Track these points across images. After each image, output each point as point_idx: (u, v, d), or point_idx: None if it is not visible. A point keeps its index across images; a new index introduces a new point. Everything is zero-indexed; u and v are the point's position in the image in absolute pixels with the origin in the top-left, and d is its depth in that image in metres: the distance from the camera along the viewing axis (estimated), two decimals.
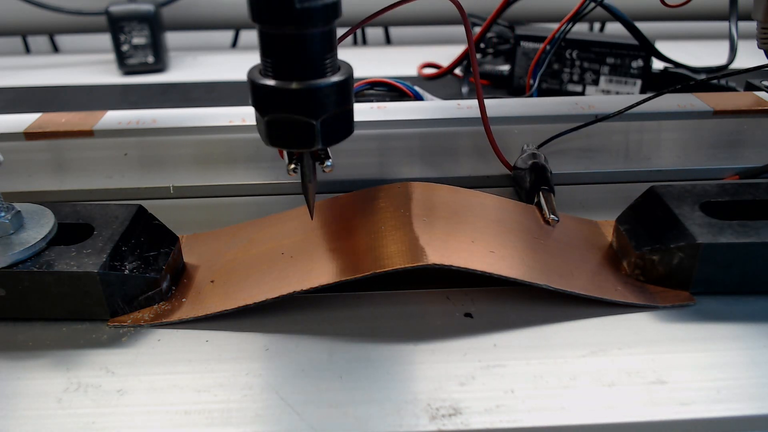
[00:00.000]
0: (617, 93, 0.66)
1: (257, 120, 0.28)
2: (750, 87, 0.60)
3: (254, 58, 0.27)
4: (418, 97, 0.59)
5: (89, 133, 0.51)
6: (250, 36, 0.94)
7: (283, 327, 0.31)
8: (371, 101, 0.58)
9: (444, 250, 0.30)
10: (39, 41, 0.95)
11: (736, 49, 0.66)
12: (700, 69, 0.68)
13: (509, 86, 0.71)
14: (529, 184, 0.39)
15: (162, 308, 0.31)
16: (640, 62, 0.65)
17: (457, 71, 0.74)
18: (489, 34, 0.74)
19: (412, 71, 0.79)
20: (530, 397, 0.26)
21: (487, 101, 0.56)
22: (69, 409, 0.26)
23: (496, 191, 0.41)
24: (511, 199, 0.38)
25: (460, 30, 0.85)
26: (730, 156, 0.46)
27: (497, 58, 0.75)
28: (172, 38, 0.85)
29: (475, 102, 0.56)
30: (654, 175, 0.44)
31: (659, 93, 0.47)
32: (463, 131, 0.52)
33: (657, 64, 0.66)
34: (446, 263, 0.29)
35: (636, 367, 0.28)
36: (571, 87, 0.68)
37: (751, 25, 0.49)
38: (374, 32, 0.97)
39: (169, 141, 0.50)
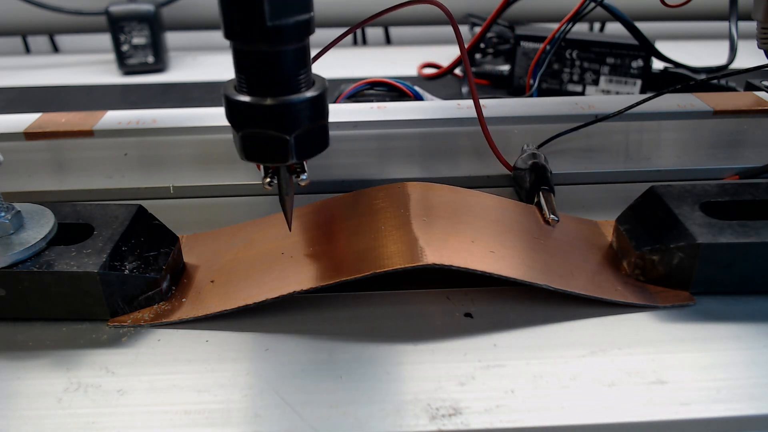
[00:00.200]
0: (617, 93, 0.66)
1: (233, 134, 0.28)
2: (750, 87, 0.60)
3: None
4: (418, 97, 0.59)
5: (89, 133, 0.51)
6: None
7: (283, 327, 0.31)
8: (371, 101, 0.58)
9: (444, 250, 0.30)
10: (39, 41, 0.95)
11: (736, 49, 0.66)
12: (700, 69, 0.68)
13: (509, 86, 0.71)
14: (529, 184, 0.39)
15: (162, 308, 0.31)
16: (640, 62, 0.65)
17: (457, 71, 0.74)
18: (489, 34, 0.74)
19: (412, 71, 0.79)
20: (530, 397, 0.26)
21: (487, 101, 0.56)
22: (69, 409, 0.26)
23: (496, 191, 0.41)
24: (511, 199, 0.38)
25: (460, 30, 0.85)
26: (730, 156, 0.46)
27: (497, 58, 0.75)
28: (172, 38, 0.85)
29: None
30: (654, 175, 0.44)
31: (659, 93, 0.47)
32: (463, 131, 0.52)
33: (657, 64, 0.66)
34: (446, 263, 0.29)
35: (636, 367, 0.28)
36: (571, 87, 0.68)
37: (751, 25, 0.49)
38: (374, 32, 0.97)
39: (169, 141, 0.50)
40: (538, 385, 0.27)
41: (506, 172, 0.43)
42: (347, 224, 0.34)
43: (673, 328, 0.30)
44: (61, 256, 0.30)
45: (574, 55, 0.66)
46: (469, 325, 0.30)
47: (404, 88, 0.59)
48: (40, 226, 0.31)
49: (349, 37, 0.96)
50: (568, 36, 0.62)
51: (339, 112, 0.53)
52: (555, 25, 0.62)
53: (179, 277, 0.34)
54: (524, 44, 0.68)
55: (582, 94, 0.67)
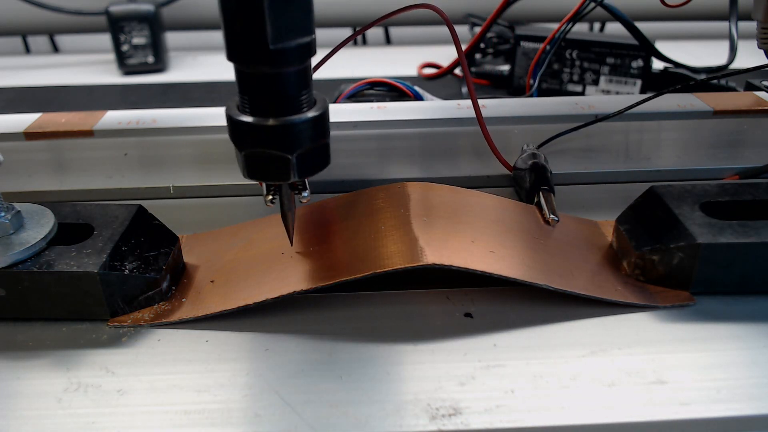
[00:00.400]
0: (617, 93, 0.66)
1: (236, 153, 0.28)
2: (750, 87, 0.60)
3: None
4: (418, 97, 0.59)
5: (89, 133, 0.51)
6: None
7: (283, 327, 0.31)
8: (371, 101, 0.58)
9: (444, 250, 0.30)
10: (39, 41, 0.95)
11: (736, 49, 0.66)
12: (700, 69, 0.68)
13: (509, 86, 0.71)
14: (529, 184, 0.39)
15: (162, 308, 0.31)
16: (640, 62, 0.65)
17: (457, 71, 0.74)
18: (489, 34, 0.74)
19: (412, 71, 0.79)
20: (530, 397, 0.26)
21: (487, 101, 0.56)
22: (69, 409, 0.26)
23: (496, 191, 0.41)
24: (511, 199, 0.38)
25: (460, 30, 0.85)
26: (730, 156, 0.46)
27: (497, 58, 0.75)
28: (172, 38, 0.85)
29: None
30: (654, 175, 0.44)
31: (659, 93, 0.47)
32: (463, 131, 0.52)
33: (657, 64, 0.66)
34: (446, 263, 0.29)
35: (636, 367, 0.28)
36: (571, 87, 0.68)
37: (751, 25, 0.49)
38: (374, 32, 0.97)
39: (169, 141, 0.50)
40: (538, 385, 0.27)
41: (506, 172, 0.43)
42: (347, 224, 0.34)
43: (673, 328, 0.30)
44: (61, 256, 0.30)
45: (574, 55, 0.66)
46: (469, 325, 0.30)
47: (404, 88, 0.59)
48: (40, 226, 0.31)
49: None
50: (568, 36, 0.62)
51: (339, 112, 0.53)
52: (555, 25, 0.62)
53: (179, 277, 0.34)
54: (524, 44, 0.68)
55: (582, 94, 0.67)
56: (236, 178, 0.44)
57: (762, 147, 0.47)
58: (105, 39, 0.81)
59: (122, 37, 0.77)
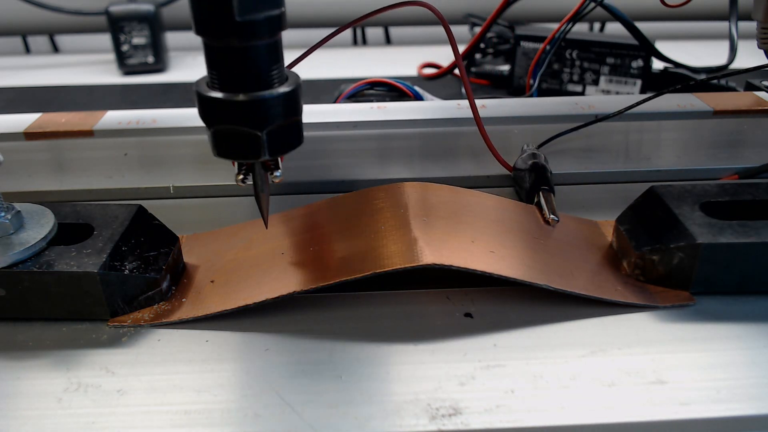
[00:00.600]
0: (617, 93, 0.66)
1: (207, 131, 0.28)
2: (750, 87, 0.60)
3: None
4: (418, 97, 0.59)
5: (89, 133, 0.51)
6: None
7: (283, 327, 0.31)
8: (371, 101, 0.58)
9: (444, 250, 0.30)
10: (39, 41, 0.95)
11: (736, 49, 0.66)
12: (700, 69, 0.68)
13: (509, 86, 0.71)
14: (529, 184, 0.39)
15: (162, 308, 0.31)
16: (640, 62, 0.65)
17: (457, 71, 0.74)
18: (489, 34, 0.74)
19: (412, 71, 0.79)
20: (530, 397, 0.26)
21: (487, 101, 0.56)
22: (69, 409, 0.26)
23: (496, 191, 0.41)
24: (511, 199, 0.38)
25: (460, 30, 0.85)
26: (730, 156, 0.46)
27: (497, 58, 0.75)
28: (172, 38, 0.85)
29: (476, 102, 0.56)
30: (654, 175, 0.44)
31: (659, 93, 0.47)
32: (463, 131, 0.52)
33: (657, 64, 0.66)
34: (446, 263, 0.29)
35: (636, 367, 0.28)
36: (571, 87, 0.68)
37: (751, 25, 0.49)
38: (374, 32, 0.97)
39: (169, 141, 0.50)
40: (538, 385, 0.27)
41: (506, 172, 0.43)
42: (347, 224, 0.34)
43: (673, 328, 0.30)
44: (61, 256, 0.30)
45: (574, 55, 0.66)
46: (469, 325, 0.30)
47: (404, 88, 0.59)
48: (40, 226, 0.31)
49: (349, 36, 0.96)
50: (568, 36, 0.62)
51: (339, 112, 0.53)
52: (555, 25, 0.62)
53: (179, 277, 0.34)
54: (524, 44, 0.68)
55: (582, 94, 0.67)
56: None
57: (762, 147, 0.47)
58: (105, 39, 0.81)
59: (122, 37, 0.77)
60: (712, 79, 0.47)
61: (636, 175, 0.44)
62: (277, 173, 0.30)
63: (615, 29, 0.79)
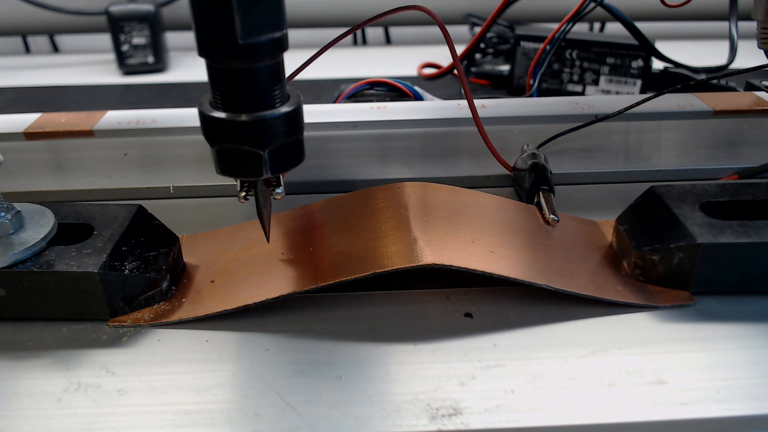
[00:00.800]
0: (617, 93, 0.66)
1: (211, 149, 0.28)
2: (750, 87, 0.60)
3: None
4: (418, 97, 0.59)
5: (89, 133, 0.51)
6: None
7: (283, 327, 0.31)
8: (371, 101, 0.58)
9: (444, 250, 0.30)
10: (39, 41, 0.95)
11: (736, 49, 0.66)
12: (700, 69, 0.68)
13: (509, 86, 0.71)
14: (529, 184, 0.39)
15: (162, 308, 0.31)
16: (640, 62, 0.65)
17: (456, 72, 0.74)
18: (489, 34, 0.74)
19: (412, 71, 0.79)
20: (530, 397, 0.26)
21: (487, 101, 0.56)
22: (69, 409, 0.26)
23: (496, 191, 0.41)
24: (511, 199, 0.38)
25: (460, 30, 0.85)
26: (729, 156, 0.46)
27: (497, 58, 0.75)
28: (172, 38, 0.85)
29: (475, 102, 0.56)
30: (654, 175, 0.44)
31: (659, 93, 0.47)
32: (463, 131, 0.52)
33: (657, 64, 0.66)
34: (446, 263, 0.29)
35: (636, 367, 0.28)
36: (571, 87, 0.68)
37: (751, 25, 0.49)
38: (374, 32, 0.97)
39: (169, 141, 0.50)
40: (538, 385, 0.27)
41: (506, 172, 0.43)
42: (347, 224, 0.34)
43: (673, 328, 0.30)
44: (61, 256, 0.30)
45: (574, 55, 0.66)
46: (469, 325, 0.30)
47: (404, 88, 0.59)
48: (40, 226, 0.31)
49: (349, 37, 0.96)
50: (568, 36, 0.62)
51: (339, 112, 0.53)
52: (555, 25, 0.62)
53: (179, 277, 0.34)
54: (524, 44, 0.68)
55: (582, 94, 0.67)
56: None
57: (762, 147, 0.47)
58: (105, 39, 0.81)
59: (122, 37, 0.77)
60: (712, 79, 0.47)
61: (636, 175, 0.44)
62: (279, 190, 0.30)
63: (615, 29, 0.79)
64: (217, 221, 0.39)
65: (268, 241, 0.32)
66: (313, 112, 0.53)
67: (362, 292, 0.33)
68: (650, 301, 0.31)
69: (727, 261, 0.30)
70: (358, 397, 0.26)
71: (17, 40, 0.94)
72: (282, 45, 0.26)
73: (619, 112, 0.46)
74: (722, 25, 0.73)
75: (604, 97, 0.61)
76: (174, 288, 0.33)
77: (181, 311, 0.31)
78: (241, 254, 0.35)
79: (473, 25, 0.83)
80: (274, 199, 0.30)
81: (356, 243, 0.32)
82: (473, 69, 0.73)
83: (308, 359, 0.29)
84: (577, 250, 0.34)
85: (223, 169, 0.28)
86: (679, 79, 0.66)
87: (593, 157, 0.46)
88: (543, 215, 0.37)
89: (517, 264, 0.31)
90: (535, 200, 0.38)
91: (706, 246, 0.30)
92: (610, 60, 0.65)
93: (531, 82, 0.64)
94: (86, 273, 0.29)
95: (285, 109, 0.27)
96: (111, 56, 0.80)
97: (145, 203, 0.35)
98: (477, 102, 0.56)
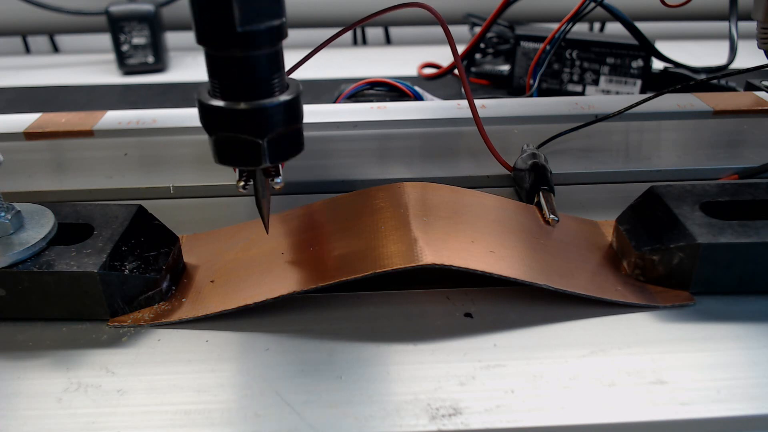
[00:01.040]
0: (617, 93, 0.66)
1: (209, 138, 0.28)
2: (750, 87, 0.60)
3: None
4: (418, 97, 0.59)
5: (89, 133, 0.51)
6: None
7: (283, 327, 0.31)
8: (371, 101, 0.58)
9: (444, 250, 0.30)
10: (39, 41, 0.95)
11: (736, 49, 0.66)
12: (700, 69, 0.68)
13: (509, 86, 0.71)
14: (529, 184, 0.39)
15: (162, 308, 0.31)
16: (640, 62, 0.65)
17: (457, 71, 0.74)
18: (489, 34, 0.74)
19: (412, 71, 0.79)
20: (530, 397, 0.26)
21: (487, 101, 0.56)
22: (69, 409, 0.26)
23: (496, 191, 0.41)
24: (511, 199, 0.38)
25: (460, 30, 0.85)
26: (729, 156, 0.46)
27: (497, 58, 0.75)
28: (172, 38, 0.85)
29: (475, 102, 0.56)
30: (654, 175, 0.44)
31: (659, 93, 0.47)
32: (463, 131, 0.52)
33: (657, 64, 0.66)
34: (446, 263, 0.29)
35: (636, 367, 0.28)
36: (571, 87, 0.68)
37: (751, 25, 0.49)
38: (374, 32, 0.97)
39: (169, 141, 0.50)
40: (538, 385, 0.27)
41: (506, 172, 0.43)
42: (347, 224, 0.34)
43: (673, 328, 0.30)
44: (61, 256, 0.30)
45: (574, 55, 0.66)
46: (469, 325, 0.30)
47: (404, 88, 0.59)
48: (40, 226, 0.31)
49: (350, 36, 0.96)
50: (568, 36, 0.62)
51: (339, 112, 0.53)
52: (555, 25, 0.62)
53: (179, 277, 0.34)
54: (524, 44, 0.68)
55: (582, 94, 0.67)
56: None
57: (762, 147, 0.47)
58: (105, 39, 0.81)
59: (122, 37, 0.77)
60: (712, 79, 0.47)
61: (636, 175, 0.44)
62: (278, 180, 0.30)
63: (615, 29, 0.79)
64: (217, 221, 0.39)
65: (267, 232, 0.32)
66: (313, 112, 0.53)
67: (362, 292, 0.33)
68: (650, 301, 0.31)
69: (727, 261, 0.30)
70: (358, 397, 0.26)
71: (17, 40, 0.94)
72: (281, 33, 0.26)
73: (619, 112, 0.46)
74: (722, 25, 0.73)
75: (604, 97, 0.61)
76: (174, 288, 0.33)
77: (181, 311, 0.31)
78: (241, 254, 0.35)
79: (473, 25, 0.83)
80: (273, 188, 0.30)
81: (356, 243, 0.32)
82: (473, 69, 0.73)
83: (308, 359, 0.29)
84: (577, 250, 0.34)
85: (222, 158, 0.28)
86: (679, 79, 0.66)
87: (593, 157, 0.46)
88: (543, 215, 0.37)
89: (517, 264, 0.31)
90: (535, 200, 0.38)
91: (706, 246, 0.30)
92: (610, 60, 0.65)
93: (531, 82, 0.64)
94: (86, 273, 0.29)
95: (284, 97, 0.27)
96: (111, 56, 0.80)
97: (145, 203, 0.35)
98: (477, 102, 0.56)
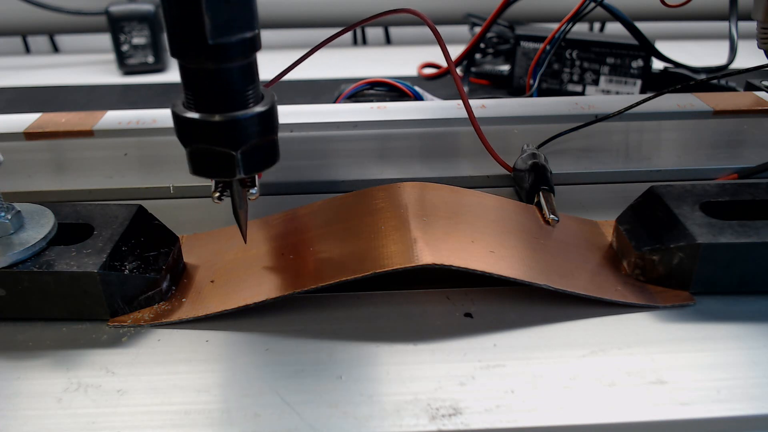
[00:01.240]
0: (617, 93, 0.66)
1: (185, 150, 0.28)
2: (750, 87, 0.60)
3: None
4: (418, 97, 0.59)
5: (89, 133, 0.51)
6: None
7: (283, 327, 0.31)
8: (371, 101, 0.58)
9: (443, 250, 0.30)
10: (39, 41, 0.95)
11: (736, 49, 0.66)
12: (700, 69, 0.68)
13: (509, 86, 0.71)
14: (529, 184, 0.39)
15: (162, 308, 0.31)
16: (640, 62, 0.65)
17: (457, 71, 0.74)
18: (489, 34, 0.74)
19: (412, 71, 0.79)
20: (530, 397, 0.26)
21: (487, 101, 0.56)
22: (69, 409, 0.26)
23: (496, 191, 0.41)
24: (511, 199, 0.38)
25: (460, 30, 0.85)
26: (729, 156, 0.46)
27: (497, 58, 0.75)
28: None
29: (475, 102, 0.56)
30: (654, 175, 0.44)
31: (659, 93, 0.47)
32: (463, 131, 0.52)
33: (657, 64, 0.66)
34: (446, 263, 0.29)
35: (636, 367, 0.28)
36: (571, 87, 0.68)
37: (751, 25, 0.49)
38: (374, 32, 0.97)
39: (169, 141, 0.50)
40: (538, 385, 0.27)
41: (506, 172, 0.43)
42: (347, 224, 0.34)
43: (673, 328, 0.30)
44: (61, 256, 0.30)
45: (574, 55, 0.66)
46: (469, 325, 0.30)
47: (404, 88, 0.59)
48: (40, 226, 0.31)
49: (349, 36, 0.96)
50: (568, 36, 0.62)
51: (339, 112, 0.53)
52: (555, 25, 0.62)
53: (179, 277, 0.34)
54: (524, 44, 0.68)
55: (582, 94, 0.67)
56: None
57: (762, 147, 0.47)
58: (105, 39, 0.81)
59: (122, 37, 0.77)
60: (712, 79, 0.47)
61: (636, 175, 0.44)
62: (253, 191, 0.30)
63: (615, 29, 0.79)
64: (217, 221, 0.39)
65: (246, 242, 0.32)
66: (313, 112, 0.53)
67: (362, 292, 0.33)
68: (650, 301, 0.31)
69: (727, 261, 0.30)
70: (358, 397, 0.26)
71: (17, 40, 0.94)
72: (254, 45, 0.26)
73: (619, 112, 0.46)
74: (722, 25, 0.73)
75: (604, 97, 0.61)
76: (174, 288, 0.33)
77: (181, 311, 0.31)
78: (241, 254, 0.35)
79: (473, 25, 0.83)
80: (249, 199, 0.30)
81: (356, 243, 0.32)
82: (473, 69, 0.73)
83: (308, 359, 0.29)
84: (577, 250, 0.34)
85: (197, 169, 0.28)
86: (679, 79, 0.66)
87: (593, 157, 0.46)
88: (543, 215, 0.37)
89: (517, 264, 0.31)
90: (535, 200, 0.38)
91: (706, 246, 0.30)
92: (610, 60, 0.65)
93: (531, 82, 0.64)
94: (86, 273, 0.29)
95: (258, 109, 0.27)
96: (111, 56, 0.80)
97: (145, 203, 0.35)
98: (477, 102, 0.56)
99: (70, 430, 0.25)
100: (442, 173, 0.44)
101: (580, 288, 0.31)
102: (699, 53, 0.81)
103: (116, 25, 0.77)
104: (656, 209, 0.33)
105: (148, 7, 0.77)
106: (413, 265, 0.29)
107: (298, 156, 0.48)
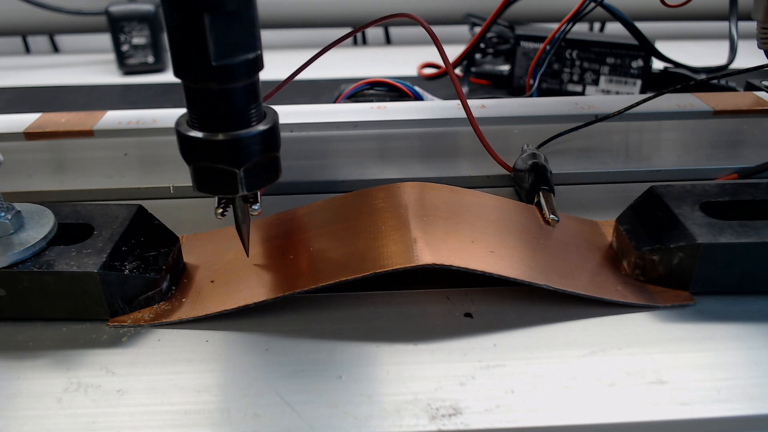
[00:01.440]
0: (617, 93, 0.66)
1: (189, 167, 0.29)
2: (750, 87, 0.60)
3: None
4: (418, 97, 0.59)
5: (89, 133, 0.51)
6: None
7: (283, 327, 0.31)
8: (371, 101, 0.58)
9: (444, 250, 0.30)
10: (39, 41, 0.95)
11: (736, 49, 0.66)
12: (700, 69, 0.68)
13: (509, 86, 0.71)
14: (529, 184, 0.39)
15: (162, 308, 0.32)
16: (640, 62, 0.65)
17: (457, 71, 0.74)
18: (489, 34, 0.74)
19: (412, 71, 0.79)
20: (530, 397, 0.26)
21: (487, 101, 0.56)
22: (69, 409, 0.26)
23: (496, 191, 0.41)
24: (511, 199, 0.38)
25: (460, 30, 0.85)
26: (729, 156, 0.46)
27: (497, 58, 0.75)
28: None
29: (475, 102, 0.56)
30: (654, 175, 0.44)
31: (659, 93, 0.47)
32: (463, 131, 0.52)
33: (657, 64, 0.66)
34: (446, 263, 0.29)
35: (636, 367, 0.28)
36: (571, 87, 0.68)
37: (751, 25, 0.49)
38: (374, 32, 0.97)
39: (169, 141, 0.50)
40: (538, 385, 0.27)
41: (506, 172, 0.43)
42: (347, 224, 0.34)
43: (673, 328, 0.30)
44: (61, 256, 0.30)
45: (574, 55, 0.66)
46: (469, 325, 0.30)
47: (404, 88, 0.59)
48: (40, 226, 0.31)
49: (350, 37, 0.96)
50: (568, 36, 0.62)
51: (339, 112, 0.53)
52: (555, 25, 0.62)
53: (179, 277, 0.34)
54: (524, 44, 0.68)
55: (582, 94, 0.67)
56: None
57: (762, 147, 0.47)
58: (105, 39, 0.81)
59: (122, 37, 0.77)
60: (712, 79, 0.47)
61: (636, 175, 0.44)
62: (255, 207, 0.30)
63: (615, 29, 0.79)
64: (217, 221, 0.39)
65: (248, 255, 0.32)
66: (313, 112, 0.53)
67: (362, 292, 0.33)
68: (650, 301, 0.31)
69: (727, 261, 0.30)
70: (358, 397, 0.26)
71: (17, 40, 0.94)
72: (256, 66, 0.26)
73: (619, 112, 0.46)
74: (722, 25, 0.73)
75: (604, 97, 0.61)
76: (174, 288, 0.33)
77: (181, 311, 0.31)
78: (241, 254, 0.35)
79: (473, 25, 0.83)
80: (252, 214, 0.31)
81: (356, 243, 0.32)
82: (473, 69, 0.73)
83: (308, 359, 0.29)
84: (577, 250, 0.34)
85: (200, 186, 0.28)
86: (679, 79, 0.66)
87: (593, 157, 0.46)
88: (543, 215, 0.37)
89: (517, 264, 0.31)
90: (535, 200, 0.38)
91: (706, 246, 0.30)
92: (610, 60, 0.65)
93: (531, 82, 0.64)
94: (86, 273, 0.29)
95: (261, 127, 0.27)
96: (111, 56, 0.80)
97: (145, 203, 0.35)
98: (477, 102, 0.56)
99: (70, 430, 0.25)
100: (442, 173, 0.44)
101: (580, 288, 0.31)
102: (699, 53, 0.81)
103: (116, 25, 0.77)
104: (656, 209, 0.33)
105: (148, 7, 0.77)
106: (413, 265, 0.29)
107: (298, 156, 0.48)
